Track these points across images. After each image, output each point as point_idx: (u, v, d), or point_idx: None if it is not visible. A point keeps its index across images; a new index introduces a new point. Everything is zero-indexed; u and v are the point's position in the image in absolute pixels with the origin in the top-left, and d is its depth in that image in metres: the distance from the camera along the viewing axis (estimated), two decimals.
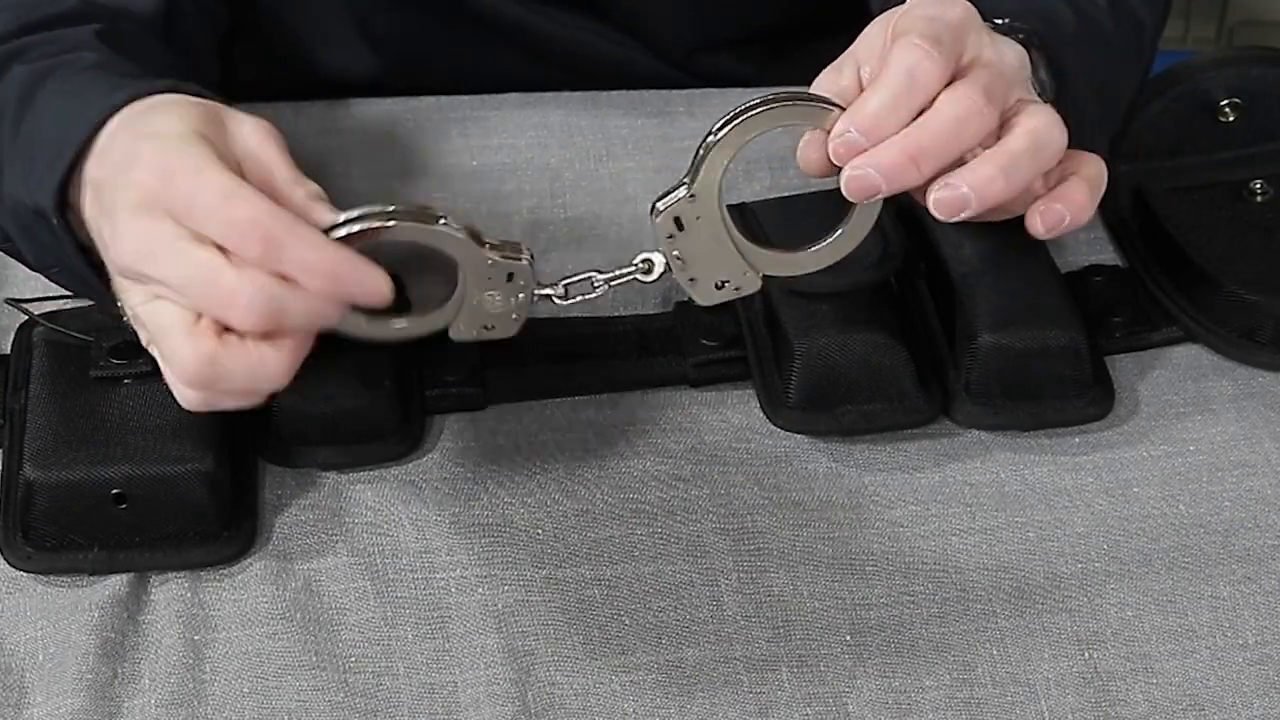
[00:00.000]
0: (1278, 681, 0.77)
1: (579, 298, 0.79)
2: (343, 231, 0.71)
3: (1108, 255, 0.94)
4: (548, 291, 0.78)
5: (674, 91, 1.02)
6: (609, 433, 0.85)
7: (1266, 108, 0.95)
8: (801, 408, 0.84)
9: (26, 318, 0.85)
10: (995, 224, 0.88)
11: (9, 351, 0.85)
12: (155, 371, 0.80)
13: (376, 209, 0.72)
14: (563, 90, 1.01)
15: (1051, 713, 0.76)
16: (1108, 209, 0.96)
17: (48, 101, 0.80)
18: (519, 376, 0.86)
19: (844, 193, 0.76)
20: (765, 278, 0.79)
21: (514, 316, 0.77)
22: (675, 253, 0.77)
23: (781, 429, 0.85)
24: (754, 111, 0.75)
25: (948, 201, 0.76)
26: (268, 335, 0.71)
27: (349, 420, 0.82)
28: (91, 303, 0.85)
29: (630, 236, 0.93)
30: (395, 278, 0.73)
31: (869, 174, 0.75)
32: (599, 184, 0.96)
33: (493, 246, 0.75)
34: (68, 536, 0.78)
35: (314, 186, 0.74)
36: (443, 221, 0.73)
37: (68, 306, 0.85)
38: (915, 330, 0.87)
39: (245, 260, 0.70)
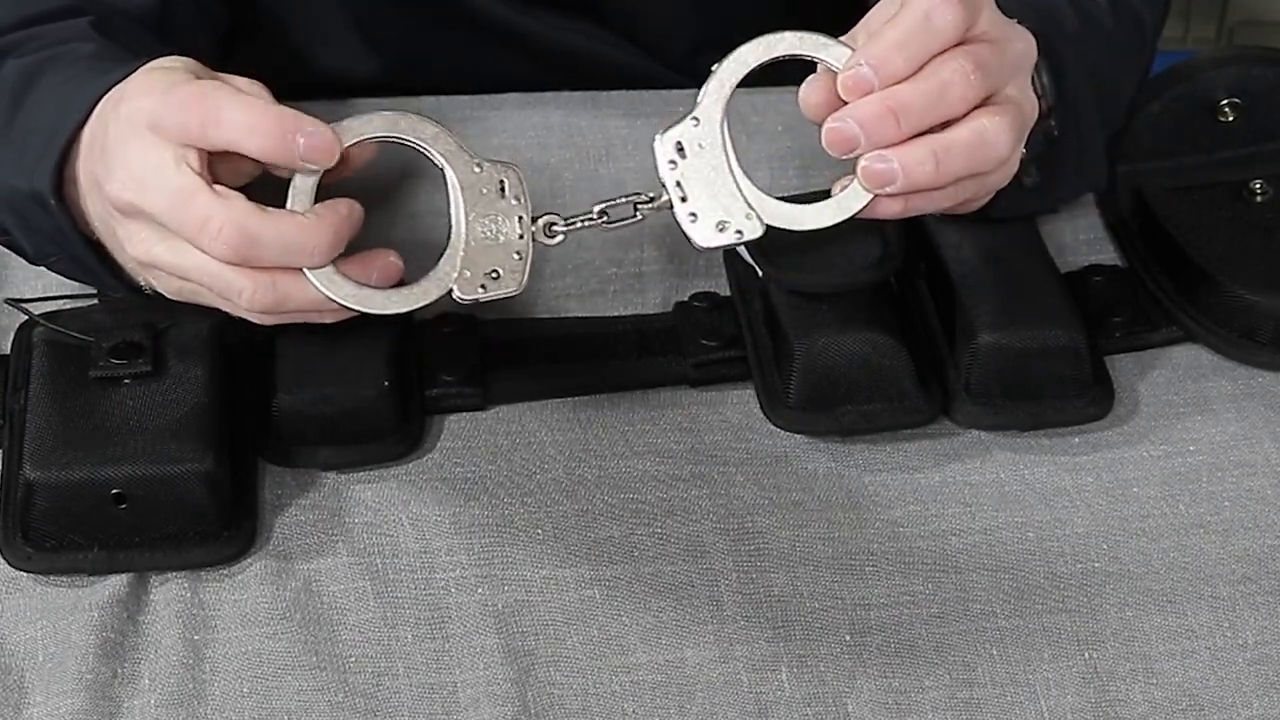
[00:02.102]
0: (1277, 682, 0.77)
1: (579, 224, 0.79)
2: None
3: (1108, 255, 0.94)
4: (547, 218, 0.78)
5: (674, 92, 1.02)
6: (609, 433, 0.85)
7: (1266, 108, 0.95)
8: (801, 408, 0.84)
9: (26, 318, 0.85)
10: (995, 224, 0.88)
11: (9, 351, 0.85)
12: (155, 371, 0.80)
13: (360, 116, 0.76)
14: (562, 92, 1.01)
15: (1051, 713, 0.76)
16: (1108, 209, 0.96)
17: (44, 91, 0.80)
18: (519, 376, 0.86)
19: (824, 145, 0.75)
20: (768, 228, 0.78)
21: (516, 254, 0.77)
22: (677, 181, 0.77)
23: (781, 429, 0.85)
24: (763, 39, 0.75)
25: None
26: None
27: (349, 420, 0.82)
28: (92, 302, 0.85)
29: (631, 237, 0.93)
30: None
31: (848, 124, 0.75)
32: (599, 184, 0.96)
33: (481, 157, 0.76)
34: (68, 536, 0.78)
35: None
36: (430, 120, 0.75)
37: (68, 307, 0.85)
38: (915, 330, 0.87)
39: (188, 136, 0.73)
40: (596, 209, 0.79)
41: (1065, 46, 0.85)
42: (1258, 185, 0.93)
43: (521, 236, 0.77)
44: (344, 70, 1.05)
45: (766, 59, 0.77)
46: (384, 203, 0.92)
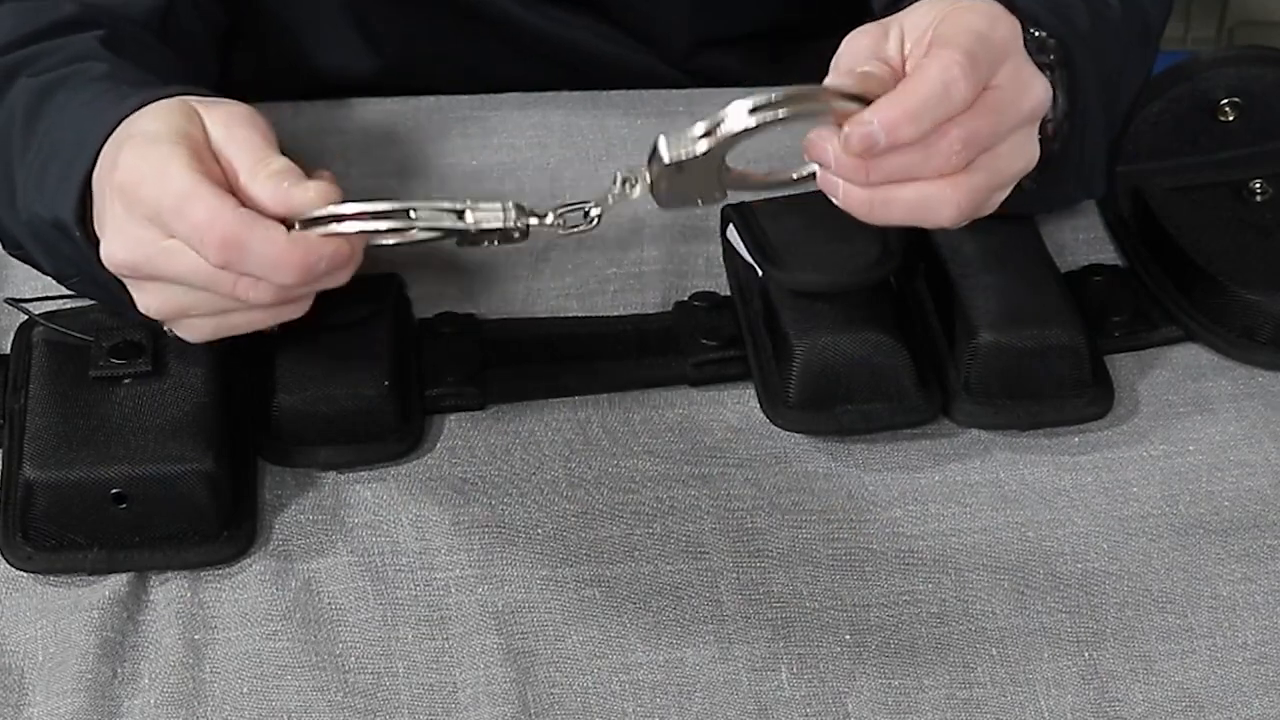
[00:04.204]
0: (1277, 681, 0.77)
1: (576, 228, 0.78)
2: (320, 230, 0.72)
3: (1108, 255, 0.94)
4: (550, 220, 0.77)
5: (674, 91, 1.02)
6: (608, 433, 0.85)
7: (1266, 108, 0.95)
8: (801, 407, 0.84)
9: (26, 318, 0.85)
10: (995, 224, 0.88)
11: (9, 351, 0.85)
12: (155, 371, 0.80)
13: (352, 209, 0.72)
14: (562, 89, 1.01)
15: (1051, 713, 0.76)
16: (1108, 209, 0.96)
17: (59, 113, 0.80)
18: (519, 376, 0.86)
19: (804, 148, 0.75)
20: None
21: (516, 236, 0.76)
22: (664, 184, 0.77)
23: (781, 429, 0.85)
24: (787, 104, 0.73)
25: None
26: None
27: (349, 420, 0.82)
28: (92, 302, 0.85)
29: (630, 237, 0.93)
30: None
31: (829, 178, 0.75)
32: (599, 184, 0.95)
33: (472, 207, 0.74)
34: (68, 536, 0.78)
35: (282, 162, 0.74)
36: (414, 213, 0.73)
37: (68, 306, 0.85)
38: (915, 330, 0.87)
39: (210, 258, 0.71)
40: (592, 212, 0.78)
41: (1079, 46, 0.84)
42: (1258, 185, 0.93)
43: (520, 236, 0.77)
44: (344, 69, 1.05)
45: (792, 120, 0.75)
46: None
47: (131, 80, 0.80)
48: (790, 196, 0.85)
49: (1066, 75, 0.82)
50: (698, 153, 0.75)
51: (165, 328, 0.79)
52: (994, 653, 0.77)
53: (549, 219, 0.76)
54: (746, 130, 0.74)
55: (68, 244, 0.79)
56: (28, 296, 0.87)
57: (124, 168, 0.73)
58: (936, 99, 0.73)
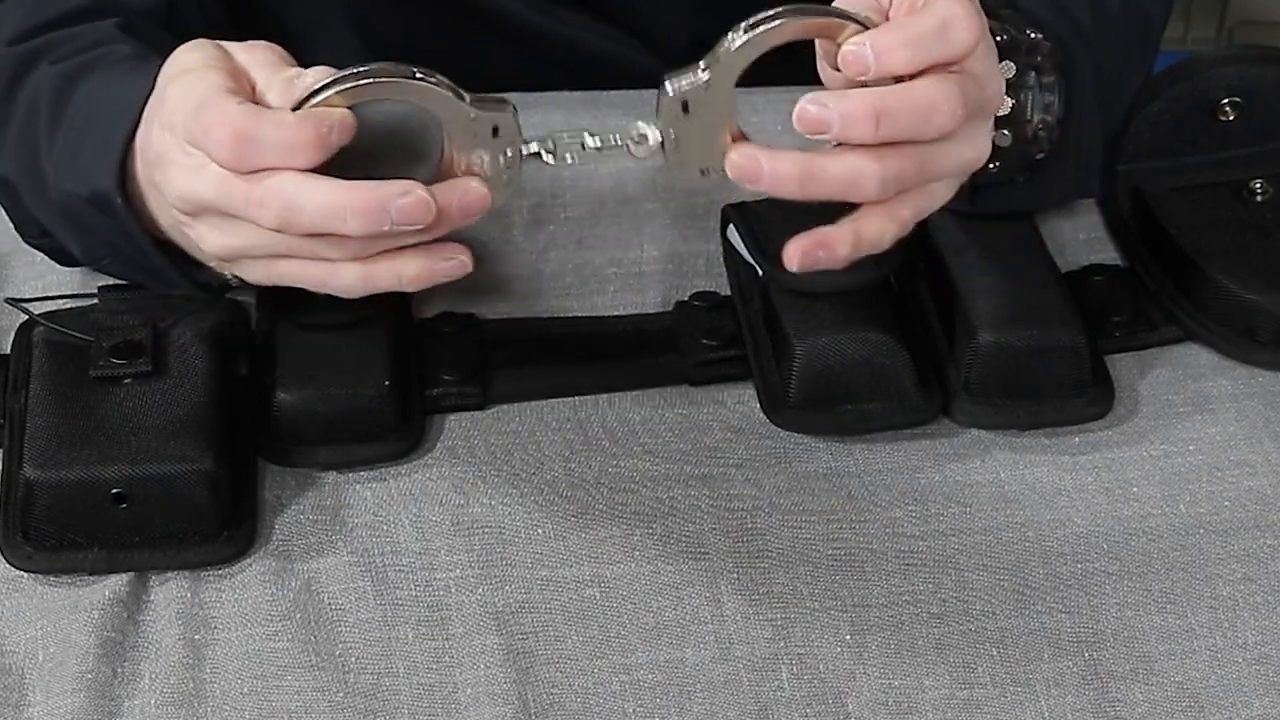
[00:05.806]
0: (1277, 681, 0.77)
1: (567, 157, 0.77)
2: (321, 96, 0.73)
3: (1108, 255, 0.94)
4: (535, 148, 0.76)
5: None
6: (608, 433, 0.85)
7: (1266, 107, 0.95)
8: (801, 407, 0.84)
9: (26, 318, 0.85)
10: (995, 224, 0.88)
11: (9, 351, 0.85)
12: (155, 371, 0.80)
13: (352, 70, 0.73)
14: (562, 89, 1.01)
15: (1051, 713, 0.76)
16: (1108, 209, 0.96)
17: (90, 94, 0.80)
18: (519, 376, 0.86)
19: (794, 120, 0.73)
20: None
21: (504, 179, 0.76)
22: (673, 132, 0.76)
23: (781, 428, 0.85)
24: (786, 18, 0.73)
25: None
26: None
27: (349, 420, 0.82)
28: (92, 302, 0.85)
29: (631, 236, 0.93)
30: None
31: (826, 111, 0.73)
32: (599, 184, 0.96)
33: (474, 100, 0.75)
34: (68, 536, 0.78)
35: (295, 71, 0.76)
36: (419, 75, 0.73)
37: (68, 307, 0.85)
38: (915, 330, 0.87)
39: (268, 224, 0.72)
40: (588, 144, 0.77)
41: (1078, 45, 0.84)
42: (1258, 185, 0.93)
43: (509, 167, 0.76)
44: (342, 69, 1.05)
45: (792, 37, 0.74)
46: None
47: (157, 56, 0.81)
48: None
49: (1062, 80, 0.82)
50: (701, 81, 0.74)
51: (228, 274, 0.79)
52: (994, 653, 0.77)
53: (533, 145, 0.76)
54: (747, 45, 0.74)
55: (101, 219, 0.79)
56: (28, 296, 0.87)
57: (170, 103, 0.75)
58: (934, 33, 0.73)
